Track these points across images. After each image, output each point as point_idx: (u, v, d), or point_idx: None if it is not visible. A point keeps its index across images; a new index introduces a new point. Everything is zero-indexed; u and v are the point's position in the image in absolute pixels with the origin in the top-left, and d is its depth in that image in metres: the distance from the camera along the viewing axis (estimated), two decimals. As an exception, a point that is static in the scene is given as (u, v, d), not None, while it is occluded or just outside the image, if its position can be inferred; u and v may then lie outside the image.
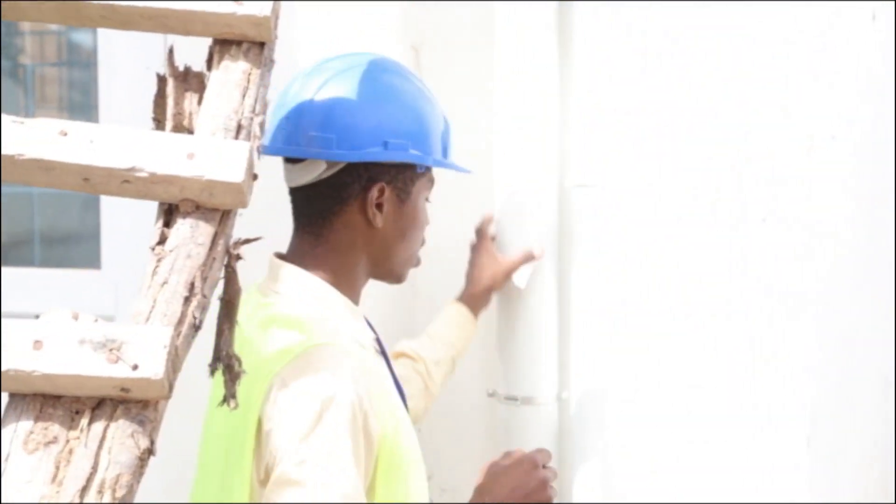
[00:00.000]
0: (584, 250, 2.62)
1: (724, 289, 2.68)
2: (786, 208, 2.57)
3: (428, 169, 1.86)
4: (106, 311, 2.61)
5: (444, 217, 2.36)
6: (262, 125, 1.47)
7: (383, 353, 1.92)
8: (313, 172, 1.82)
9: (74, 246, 3.03)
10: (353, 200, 1.82)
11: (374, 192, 1.81)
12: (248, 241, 1.41)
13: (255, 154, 1.45)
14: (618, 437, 2.65)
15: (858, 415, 3.04)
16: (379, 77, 1.84)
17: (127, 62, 2.63)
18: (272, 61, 1.53)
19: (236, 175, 1.37)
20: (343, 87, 1.81)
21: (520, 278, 2.49)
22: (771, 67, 2.58)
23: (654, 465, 2.64)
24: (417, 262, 1.95)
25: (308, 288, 1.80)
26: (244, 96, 1.47)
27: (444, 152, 1.88)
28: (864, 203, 2.90)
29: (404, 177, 1.82)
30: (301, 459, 1.60)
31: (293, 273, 1.82)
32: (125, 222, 2.67)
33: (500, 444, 2.59)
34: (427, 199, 1.90)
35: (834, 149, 2.59)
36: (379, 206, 1.82)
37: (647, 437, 2.65)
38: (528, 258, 2.45)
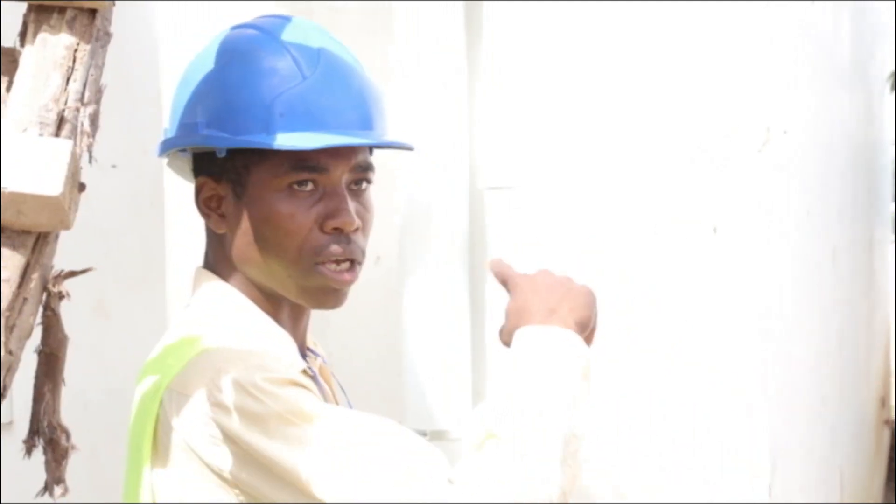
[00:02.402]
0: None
1: (655, 295, 2.41)
2: (728, 211, 2.29)
3: (268, 151, 1.38)
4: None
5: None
6: (93, 117, 1.11)
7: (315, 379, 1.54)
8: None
9: None
10: (197, 202, 1.44)
11: (201, 190, 1.43)
12: (73, 273, 1.05)
13: (86, 157, 1.10)
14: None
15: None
16: (205, 49, 1.47)
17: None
18: (108, 34, 1.17)
19: (53, 186, 1.01)
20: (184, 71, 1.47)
21: None
22: (701, 62, 2.32)
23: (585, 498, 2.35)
24: (341, 273, 1.40)
25: (221, 300, 1.44)
26: (68, 80, 1.11)
27: (288, 126, 1.38)
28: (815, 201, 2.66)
29: (234, 165, 1.40)
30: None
31: (208, 282, 1.46)
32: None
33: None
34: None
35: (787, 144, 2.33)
36: (210, 206, 1.43)
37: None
38: None
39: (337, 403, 1.51)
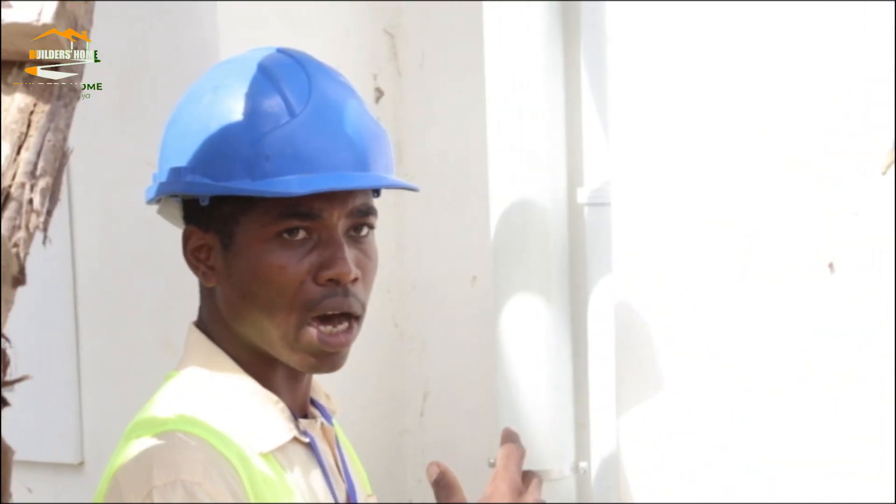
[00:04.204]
0: (602, 284, 2.09)
1: (772, 325, 2.17)
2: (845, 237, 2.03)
3: (255, 198, 1.24)
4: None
5: (432, 240, 2.05)
6: (46, 191, 0.96)
7: (313, 445, 1.39)
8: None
9: None
10: (185, 252, 1.32)
11: (189, 240, 1.32)
12: (10, 382, 0.92)
13: (40, 237, 0.96)
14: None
15: None
16: (195, 85, 1.33)
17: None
18: (75, 91, 1.03)
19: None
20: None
21: None
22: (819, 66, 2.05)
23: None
24: (336, 335, 1.27)
25: (203, 367, 1.33)
26: (19, 148, 0.97)
27: (275, 170, 1.23)
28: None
29: (221, 214, 1.27)
30: None
31: (195, 344, 1.35)
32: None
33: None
34: (284, 234, 1.25)
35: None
36: (199, 257, 1.31)
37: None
38: None
39: (338, 468, 1.36)
